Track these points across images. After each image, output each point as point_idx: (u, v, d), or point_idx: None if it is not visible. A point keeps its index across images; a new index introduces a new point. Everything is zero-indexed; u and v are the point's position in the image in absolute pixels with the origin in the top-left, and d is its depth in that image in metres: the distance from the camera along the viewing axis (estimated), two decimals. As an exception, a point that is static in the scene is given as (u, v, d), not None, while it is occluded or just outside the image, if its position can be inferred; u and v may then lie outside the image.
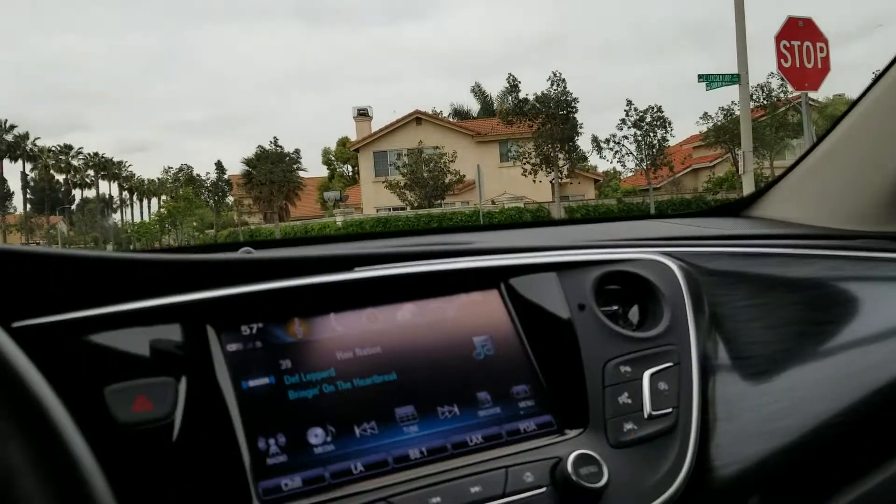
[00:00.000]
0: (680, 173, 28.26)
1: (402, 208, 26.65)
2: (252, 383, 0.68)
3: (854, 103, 1.31)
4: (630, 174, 30.32)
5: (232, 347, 0.69)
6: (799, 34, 9.66)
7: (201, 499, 0.61)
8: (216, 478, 0.63)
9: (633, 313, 0.88)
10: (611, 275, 0.86)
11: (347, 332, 0.74)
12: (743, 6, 11.80)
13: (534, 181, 25.59)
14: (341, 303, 0.75)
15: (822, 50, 9.74)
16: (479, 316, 0.79)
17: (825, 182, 1.37)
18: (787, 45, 9.58)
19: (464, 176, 26.59)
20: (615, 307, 0.87)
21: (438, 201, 26.49)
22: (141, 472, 0.60)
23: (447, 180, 26.59)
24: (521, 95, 26.44)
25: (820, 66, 9.75)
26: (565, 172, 26.76)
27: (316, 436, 0.67)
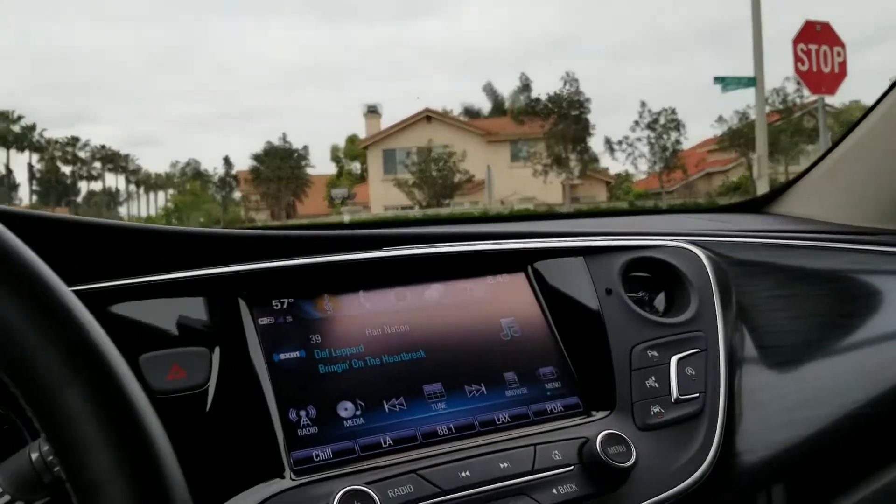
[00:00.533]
0: (693, 177, 28.14)
1: (411, 207, 26.68)
2: (283, 356, 0.68)
3: (877, 102, 1.31)
4: (643, 177, 30.26)
5: (263, 321, 0.70)
6: (816, 38, 9.62)
7: (235, 467, 0.62)
8: (249, 447, 0.63)
9: (659, 300, 0.88)
10: (638, 261, 0.86)
11: (376, 309, 0.74)
12: (759, 9, 11.75)
13: (544, 182, 25.55)
14: (370, 281, 0.76)
15: (839, 54, 9.70)
16: (507, 298, 0.80)
17: (847, 180, 1.37)
18: (805, 48, 9.54)
19: (473, 176, 26.57)
20: (641, 293, 0.87)
21: (447, 201, 26.48)
22: (175, 439, 0.60)
23: (456, 179, 26.56)
24: (533, 95, 26.45)
25: (837, 70, 9.70)
26: (577, 174, 26.69)
27: (346, 409, 0.68)
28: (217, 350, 0.66)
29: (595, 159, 28.19)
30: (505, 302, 0.79)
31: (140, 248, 0.69)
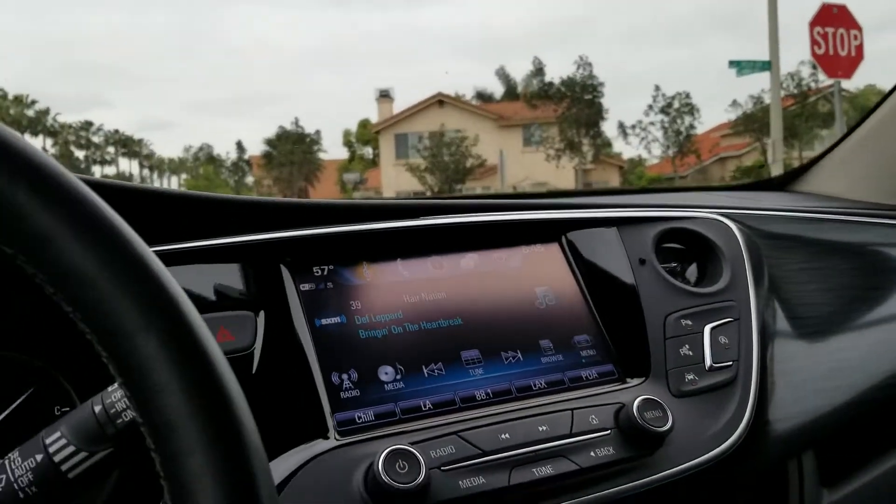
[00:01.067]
0: (707, 161, 27.96)
1: (423, 192, 26.66)
2: (325, 321, 0.70)
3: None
4: (655, 161, 30.11)
5: (305, 287, 0.71)
6: (833, 21, 9.51)
7: (282, 427, 0.63)
8: (295, 408, 0.65)
9: (691, 272, 0.89)
10: (670, 232, 0.87)
11: (413, 277, 0.75)
12: (776, -8, 11.62)
13: (557, 167, 25.49)
14: (407, 249, 0.77)
15: (855, 38, 9.59)
16: (541, 267, 0.81)
17: (871, 158, 1.36)
18: (821, 31, 9.44)
19: (485, 160, 26.52)
20: (674, 264, 0.87)
21: (459, 186, 26.45)
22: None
23: (469, 164, 26.51)
24: (547, 79, 26.32)
25: (853, 54, 9.60)
26: (589, 158, 26.60)
27: (386, 373, 0.69)
28: (262, 314, 0.67)
29: (608, 144, 28.09)
30: (539, 271, 0.80)
31: (187, 214, 0.70)
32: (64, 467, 0.47)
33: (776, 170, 11.72)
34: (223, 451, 0.36)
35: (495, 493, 0.62)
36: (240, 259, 0.70)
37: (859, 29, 9.68)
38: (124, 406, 0.48)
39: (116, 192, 0.66)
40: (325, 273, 0.72)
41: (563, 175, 25.99)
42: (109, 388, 0.49)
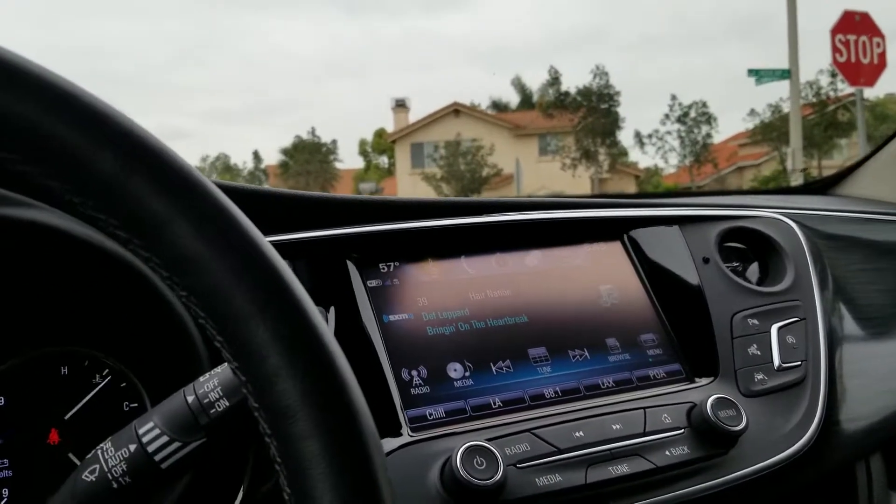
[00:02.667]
0: (724, 171, 27.79)
1: (440, 201, 26.52)
2: (392, 317, 0.69)
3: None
4: (672, 171, 29.98)
5: (372, 283, 0.70)
6: (855, 28, 9.44)
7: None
8: (368, 404, 0.64)
9: (752, 271, 0.88)
10: (732, 231, 0.86)
11: (479, 274, 0.75)
12: (795, 0, 11.57)
13: (573, 176, 25.42)
14: (472, 246, 0.76)
15: (878, 45, 9.51)
16: (604, 265, 0.80)
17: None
18: (843, 39, 9.37)
19: (501, 169, 26.50)
20: (735, 264, 0.86)
21: (475, 195, 26.45)
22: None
23: (485, 173, 26.51)
24: (563, 88, 26.30)
25: (876, 61, 9.52)
26: (605, 168, 26.52)
27: (455, 370, 0.68)
28: (332, 310, 0.67)
29: (624, 153, 27.98)
30: (602, 269, 0.79)
31: (254, 209, 0.70)
32: (157, 457, 0.47)
33: (795, 179, 11.64)
34: (341, 434, 0.36)
35: (572, 491, 0.61)
36: (307, 255, 0.69)
37: (882, 36, 9.61)
38: (218, 396, 0.48)
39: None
40: (391, 269, 0.72)
41: (579, 184, 25.93)
42: (202, 378, 0.49)
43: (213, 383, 0.48)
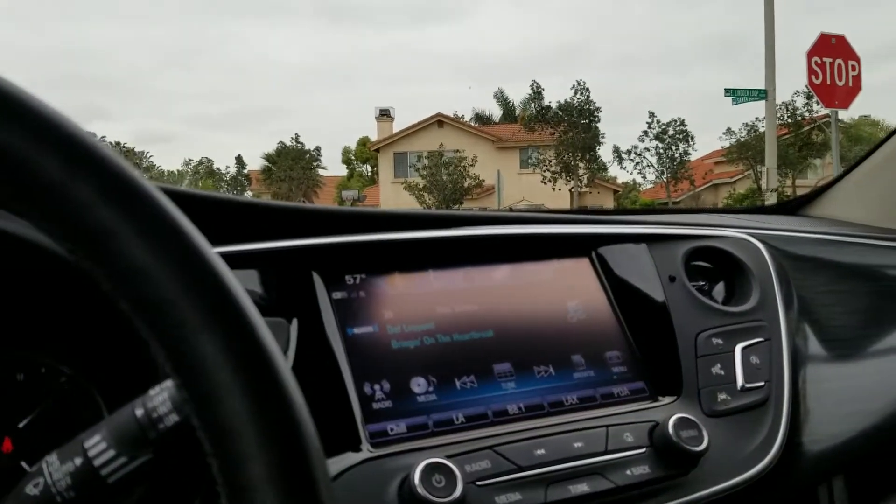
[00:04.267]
0: (700, 188, 28.09)
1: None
2: (357, 330, 0.68)
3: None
4: (650, 186, 30.24)
5: (337, 295, 0.70)
6: (831, 51, 9.60)
7: (314, 437, 0.61)
8: (327, 418, 0.63)
9: (718, 291, 0.88)
10: (699, 250, 0.86)
11: (445, 288, 0.74)
12: (773, 22, 11.75)
13: (553, 189, 25.56)
14: (439, 260, 0.76)
15: (853, 68, 9.68)
16: (572, 282, 0.80)
17: (886, 184, 1.37)
18: (819, 61, 9.52)
19: (483, 181, 26.58)
20: (702, 282, 0.87)
21: (457, 205, 26.46)
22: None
23: (466, 184, 26.56)
24: (545, 103, 26.46)
25: (851, 84, 9.68)
26: (585, 182, 26.69)
27: (419, 385, 0.68)
28: (294, 321, 0.66)
29: (603, 168, 28.19)
30: (570, 286, 0.79)
31: (219, 218, 0.69)
32: (104, 472, 0.46)
33: (769, 198, 11.78)
34: (286, 457, 0.35)
35: (532, 510, 0.61)
36: (272, 265, 0.69)
37: (857, 60, 9.77)
38: (167, 410, 0.47)
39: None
40: (357, 282, 0.71)
41: (558, 197, 26.07)
42: (152, 392, 0.48)
43: (163, 397, 0.47)
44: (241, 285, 0.58)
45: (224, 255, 0.67)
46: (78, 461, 0.46)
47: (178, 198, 0.67)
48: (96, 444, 0.46)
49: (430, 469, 0.57)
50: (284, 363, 0.37)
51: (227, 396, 0.35)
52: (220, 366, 0.35)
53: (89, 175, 0.34)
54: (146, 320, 0.36)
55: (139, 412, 0.47)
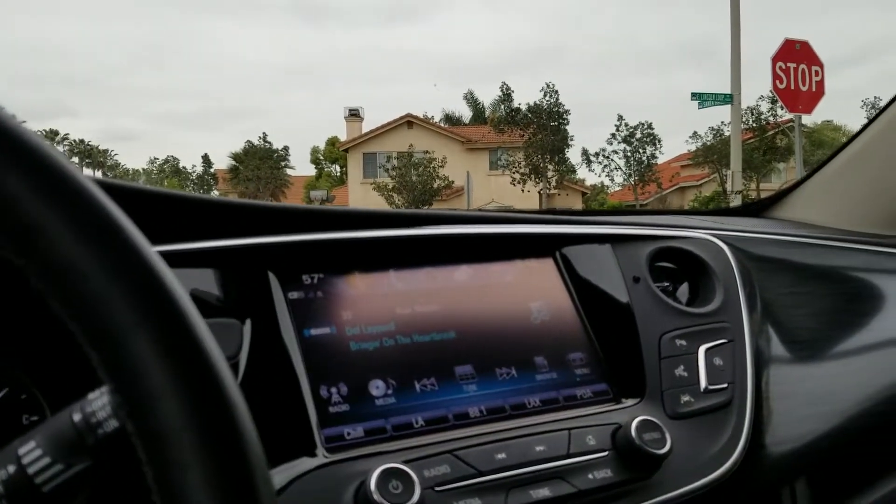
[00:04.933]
0: (667, 190, 28.47)
1: (389, 211, 26.41)
2: (314, 332, 0.66)
3: (881, 111, 1.32)
4: (618, 189, 30.53)
5: (293, 295, 0.68)
6: (795, 56, 9.77)
7: (266, 443, 0.59)
8: (281, 422, 0.61)
9: (682, 291, 0.87)
10: (663, 251, 0.86)
11: (407, 288, 0.73)
12: (739, 27, 11.93)
13: (522, 191, 25.68)
14: (401, 260, 0.74)
15: (817, 74, 9.86)
16: (535, 282, 0.79)
17: (848, 187, 1.38)
18: (784, 66, 9.68)
19: (452, 182, 26.59)
20: (666, 283, 0.86)
21: (426, 206, 26.44)
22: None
23: (436, 185, 26.56)
24: (514, 105, 26.57)
25: (814, 89, 9.86)
26: (554, 183, 26.87)
27: (377, 387, 0.66)
28: (248, 323, 0.64)
29: (572, 170, 28.38)
30: (534, 286, 0.78)
31: (171, 215, 0.67)
32: (38, 480, 0.43)
33: (734, 201, 11.96)
34: (225, 464, 0.33)
35: (492, 516, 0.59)
36: (226, 264, 0.66)
37: (821, 65, 9.95)
38: (106, 415, 0.44)
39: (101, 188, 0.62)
40: (315, 281, 0.69)
41: (528, 199, 26.20)
42: (90, 396, 0.45)
43: (103, 401, 0.45)
44: (181, 284, 0.56)
45: (177, 253, 0.65)
46: (11, 469, 0.43)
47: (127, 194, 0.64)
48: (30, 451, 0.44)
49: (387, 474, 0.56)
50: (225, 366, 0.35)
51: (161, 401, 0.33)
52: (154, 369, 0.33)
53: (15, 166, 0.32)
54: (76, 320, 0.34)
55: (77, 417, 0.45)
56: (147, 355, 0.33)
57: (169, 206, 0.68)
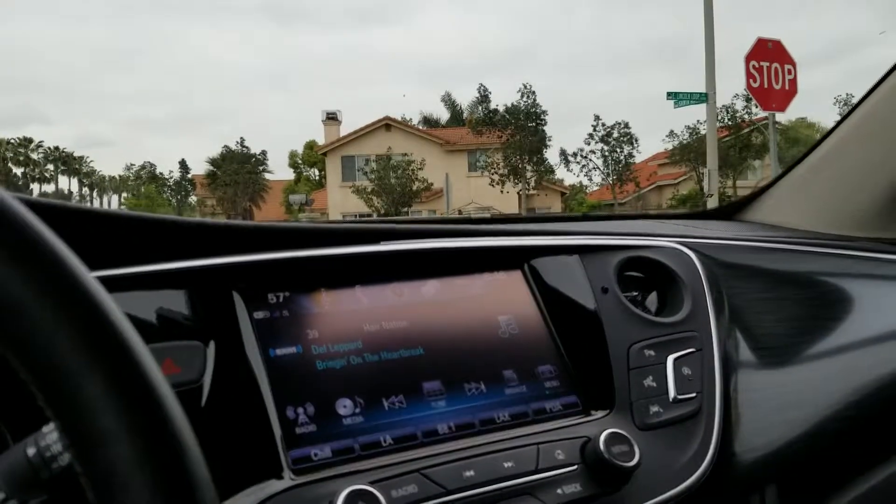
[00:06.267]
0: (645, 189, 28.67)
1: (369, 214, 26.50)
2: (280, 352, 0.66)
3: (851, 110, 1.33)
4: (596, 188, 30.68)
5: (259, 315, 0.67)
6: (768, 55, 9.86)
7: (232, 466, 0.59)
8: (246, 445, 0.61)
9: (651, 300, 0.88)
10: (632, 260, 0.86)
11: (374, 305, 0.72)
12: (712, 27, 12.04)
13: (501, 192, 25.73)
14: (367, 276, 0.74)
15: (789, 72, 9.96)
16: (504, 295, 0.79)
17: (819, 188, 1.39)
18: (757, 65, 9.77)
19: (432, 184, 26.59)
20: (634, 293, 0.87)
21: (405, 209, 26.42)
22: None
23: (415, 188, 26.53)
24: (492, 106, 26.64)
25: (787, 87, 9.96)
26: (532, 184, 26.96)
27: (345, 407, 0.65)
28: (212, 344, 0.63)
29: (551, 170, 28.48)
30: (502, 299, 0.78)
31: (130, 236, 0.66)
32: (-9, 518, 0.42)
33: (712, 199, 12.05)
34: None
35: (460, 535, 0.59)
36: (188, 285, 0.65)
37: (793, 63, 10.06)
38: (61, 449, 0.44)
39: (52, 212, 0.61)
40: (281, 300, 0.69)
41: (507, 200, 26.26)
42: (45, 429, 0.45)
43: (57, 434, 0.44)
44: (140, 312, 0.55)
45: (139, 276, 0.64)
46: (-37, 506, 0.42)
47: (83, 218, 0.63)
48: (-17, 487, 0.43)
49: (353, 496, 0.55)
50: (173, 402, 0.35)
51: (107, 442, 0.33)
52: (99, 409, 0.33)
53: None
54: (19, 359, 0.33)
55: (31, 451, 0.44)
56: (96, 396, 0.33)
57: (129, 227, 0.66)
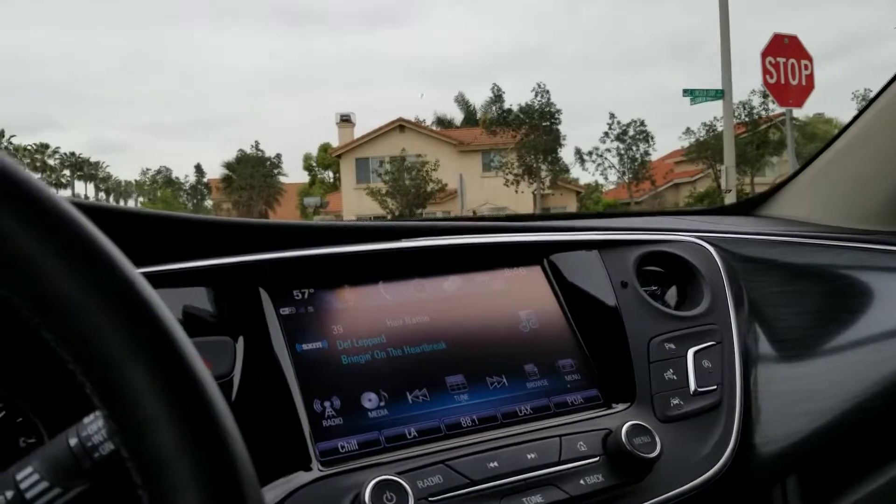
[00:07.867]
0: (661, 187, 28.50)
1: (384, 216, 26.58)
2: (306, 346, 0.67)
3: (868, 104, 1.33)
4: (612, 187, 30.58)
5: (285, 311, 0.69)
6: (784, 51, 9.79)
7: (262, 458, 0.60)
8: (276, 438, 0.62)
9: (671, 295, 0.89)
10: (651, 255, 0.87)
11: (396, 300, 0.74)
12: (728, 23, 11.97)
13: (516, 191, 25.69)
14: (390, 272, 0.75)
15: (806, 67, 9.88)
16: (524, 290, 0.80)
17: (837, 182, 1.39)
18: (773, 61, 9.70)
19: (446, 185, 26.60)
20: (654, 287, 0.87)
21: (420, 210, 26.46)
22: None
23: (429, 189, 26.55)
24: (505, 106, 26.61)
25: (804, 83, 9.89)
26: (547, 184, 26.88)
27: (370, 400, 0.67)
28: (241, 340, 0.65)
29: (566, 170, 28.42)
30: (522, 294, 0.79)
31: (161, 236, 0.68)
32: (36, 505, 0.44)
33: (729, 195, 11.98)
34: (220, 489, 0.34)
35: (485, 524, 0.60)
36: (217, 283, 0.67)
37: (810, 59, 9.98)
38: (102, 438, 0.45)
39: (90, 212, 0.63)
40: (306, 297, 0.70)
41: (521, 200, 26.21)
42: (86, 420, 0.46)
43: (97, 425, 0.46)
44: (175, 304, 0.56)
45: (169, 273, 0.66)
46: (9, 494, 0.44)
47: (116, 217, 0.65)
48: (28, 475, 0.45)
49: (381, 486, 0.56)
50: (216, 390, 0.36)
51: (157, 427, 0.34)
52: (147, 396, 0.34)
53: (7, 198, 0.33)
54: (69, 350, 0.35)
55: (73, 441, 0.45)
56: (139, 384, 0.34)
57: (159, 226, 0.68)
